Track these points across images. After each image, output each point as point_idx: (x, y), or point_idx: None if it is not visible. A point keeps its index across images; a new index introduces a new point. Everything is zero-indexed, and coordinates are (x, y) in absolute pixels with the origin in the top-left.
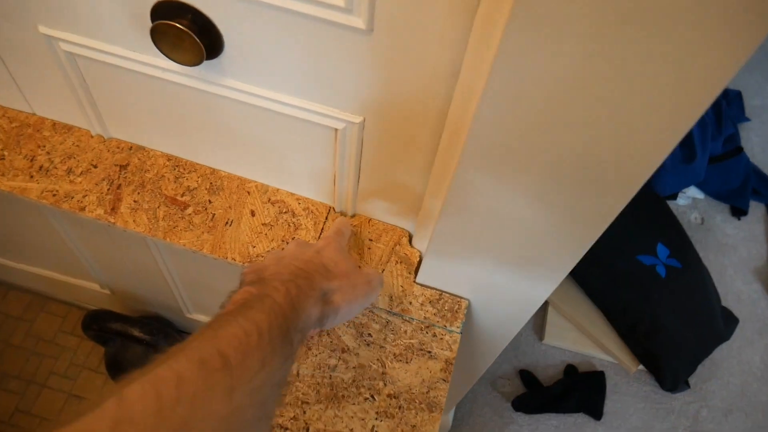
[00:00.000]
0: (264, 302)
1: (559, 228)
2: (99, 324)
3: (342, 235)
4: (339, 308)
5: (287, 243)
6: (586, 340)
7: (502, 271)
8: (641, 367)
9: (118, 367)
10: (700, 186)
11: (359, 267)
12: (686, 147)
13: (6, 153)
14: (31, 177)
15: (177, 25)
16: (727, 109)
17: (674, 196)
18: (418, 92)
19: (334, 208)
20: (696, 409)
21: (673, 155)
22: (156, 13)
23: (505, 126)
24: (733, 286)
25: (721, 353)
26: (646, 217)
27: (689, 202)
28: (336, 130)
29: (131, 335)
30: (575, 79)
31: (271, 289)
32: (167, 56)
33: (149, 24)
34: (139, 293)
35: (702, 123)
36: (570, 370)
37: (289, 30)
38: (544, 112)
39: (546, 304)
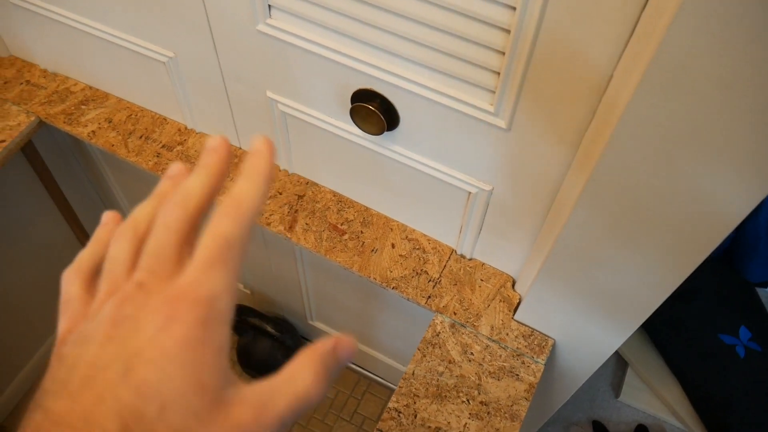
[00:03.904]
0: None
1: (646, 276)
2: (240, 317)
3: (231, 255)
4: None
5: (417, 272)
6: (659, 404)
7: (587, 314)
8: None
9: (248, 357)
10: None
11: (237, 386)
12: None
13: None
14: None
15: (369, 106)
16: None
17: (765, 284)
18: (537, 175)
19: (456, 251)
20: None
21: (766, 244)
22: (355, 96)
23: (602, 210)
24: None
25: None
26: (733, 300)
27: None
28: (469, 193)
29: (265, 330)
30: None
31: None
32: (358, 126)
33: (348, 102)
34: (274, 296)
35: None
36: (641, 429)
37: (448, 119)
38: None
39: (626, 364)
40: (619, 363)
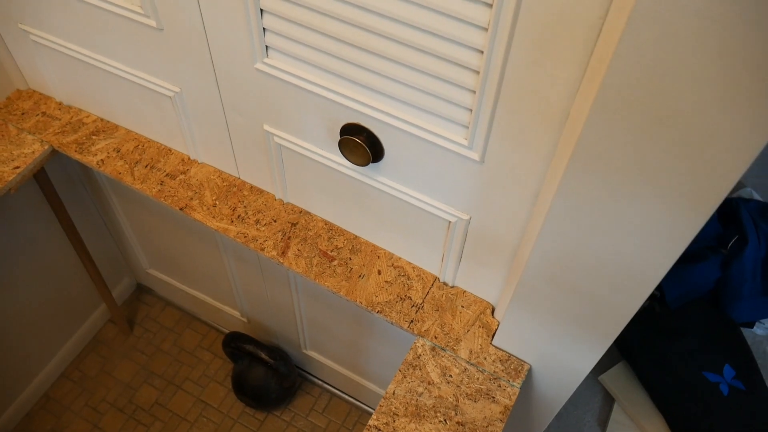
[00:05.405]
0: None
1: (608, 301)
2: (237, 343)
3: None
4: None
5: (401, 298)
6: None
7: (558, 338)
8: None
9: (242, 383)
10: None
11: None
12: (767, 279)
13: (218, 202)
14: (232, 222)
15: (356, 139)
16: None
17: (751, 324)
18: (510, 205)
19: (438, 278)
20: None
21: (753, 285)
22: (344, 130)
23: (561, 242)
24: None
25: None
26: (718, 339)
27: (767, 333)
28: (449, 222)
29: (259, 357)
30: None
31: None
32: (346, 158)
33: (338, 135)
34: (270, 325)
35: None
36: None
37: (428, 153)
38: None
39: (612, 400)
40: (605, 399)
